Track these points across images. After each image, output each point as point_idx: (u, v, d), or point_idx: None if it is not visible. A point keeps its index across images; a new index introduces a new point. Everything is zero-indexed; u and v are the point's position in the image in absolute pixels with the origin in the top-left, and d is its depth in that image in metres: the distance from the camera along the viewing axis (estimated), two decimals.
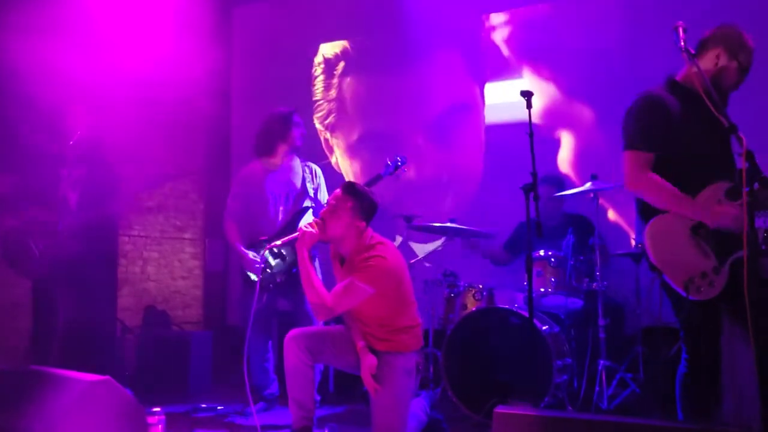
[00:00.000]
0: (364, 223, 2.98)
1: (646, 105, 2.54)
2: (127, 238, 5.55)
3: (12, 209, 3.98)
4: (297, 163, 4.05)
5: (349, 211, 2.94)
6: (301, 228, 2.95)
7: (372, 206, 3.01)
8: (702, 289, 2.39)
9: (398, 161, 4.08)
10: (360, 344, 2.98)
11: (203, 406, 4.12)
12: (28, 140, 4.23)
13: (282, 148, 3.99)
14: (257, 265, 3.78)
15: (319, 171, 4.10)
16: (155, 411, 2.99)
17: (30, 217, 3.90)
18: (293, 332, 3.00)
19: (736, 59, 2.52)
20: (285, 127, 3.97)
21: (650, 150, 2.51)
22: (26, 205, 3.93)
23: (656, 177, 2.49)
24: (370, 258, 2.90)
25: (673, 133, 2.49)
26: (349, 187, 3.02)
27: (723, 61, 2.53)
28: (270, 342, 4.01)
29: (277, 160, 4.01)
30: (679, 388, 2.55)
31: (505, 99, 5.11)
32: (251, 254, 3.83)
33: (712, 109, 2.32)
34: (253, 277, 3.82)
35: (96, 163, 3.99)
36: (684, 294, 2.38)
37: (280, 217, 3.93)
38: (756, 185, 2.26)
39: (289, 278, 3.82)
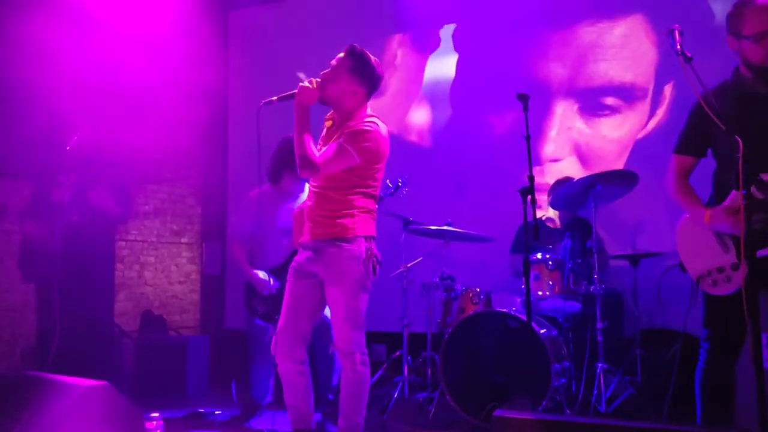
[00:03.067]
0: (363, 90, 2.85)
1: (693, 108, 2.52)
2: (123, 243, 5.54)
3: (13, 213, 3.99)
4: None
5: (347, 73, 2.82)
6: (300, 84, 2.78)
7: (373, 73, 2.85)
8: (718, 283, 2.40)
9: (399, 182, 4.05)
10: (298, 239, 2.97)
11: (201, 410, 4.11)
12: (27, 146, 4.23)
13: (288, 176, 3.88)
14: (271, 284, 3.76)
15: None
16: (153, 416, 2.99)
17: (29, 220, 3.90)
18: (279, 341, 2.90)
19: (742, 35, 2.40)
20: (290, 154, 3.86)
21: (685, 153, 2.56)
22: (26, 209, 3.94)
23: (679, 183, 2.54)
24: (363, 124, 2.79)
25: (717, 132, 2.36)
26: (352, 49, 2.86)
27: (735, 45, 2.45)
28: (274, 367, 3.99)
29: (285, 187, 3.93)
30: (698, 385, 2.53)
31: None
32: (261, 273, 3.77)
33: (710, 113, 2.31)
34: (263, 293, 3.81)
35: (92, 168, 3.99)
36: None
37: (284, 248, 3.84)
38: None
39: None
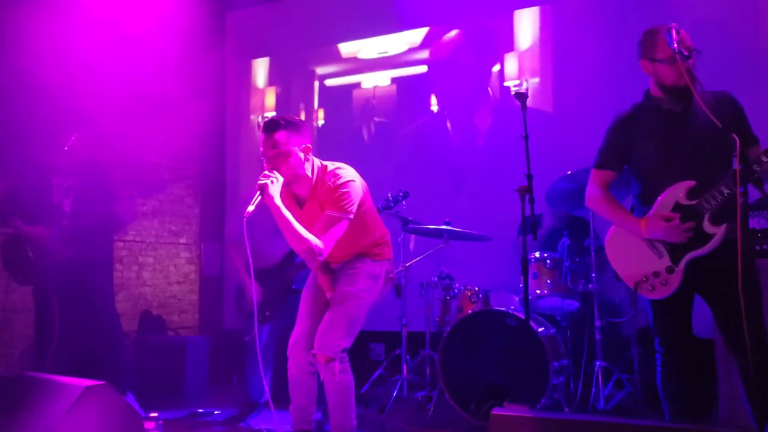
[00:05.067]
0: (309, 142, 2.83)
1: (610, 126, 2.67)
2: (122, 243, 5.54)
3: (7, 216, 3.99)
4: None
5: (288, 145, 2.76)
6: (258, 184, 2.68)
7: (304, 126, 2.85)
8: (656, 288, 2.52)
9: (399, 195, 4.05)
10: (329, 295, 2.93)
11: (200, 411, 4.11)
12: (21, 148, 4.23)
13: None
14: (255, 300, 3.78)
15: None
16: (152, 416, 3.00)
17: (25, 224, 3.89)
18: (293, 340, 2.92)
19: (655, 59, 2.51)
20: None
21: (607, 168, 2.68)
22: (21, 212, 3.93)
23: (603, 195, 2.67)
24: (340, 186, 2.78)
25: (635, 149, 2.59)
26: (275, 123, 2.78)
27: (650, 69, 2.56)
28: (272, 362, 4.00)
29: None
30: (660, 387, 2.62)
31: None
32: (252, 287, 3.80)
33: (705, 109, 2.33)
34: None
35: (90, 171, 3.99)
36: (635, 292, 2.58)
37: (279, 249, 3.86)
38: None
39: (283, 304, 3.82)
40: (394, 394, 3.98)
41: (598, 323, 3.66)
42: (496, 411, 2.32)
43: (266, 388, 3.96)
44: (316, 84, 5.91)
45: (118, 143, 4.69)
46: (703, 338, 2.77)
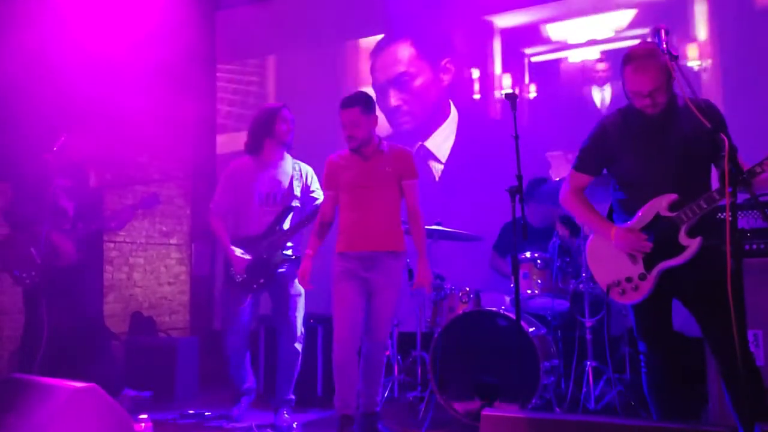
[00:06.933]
0: (376, 117, 3.43)
1: (594, 130, 2.68)
2: (112, 245, 5.51)
3: (12, 218, 3.97)
4: (288, 161, 3.95)
5: (364, 116, 3.35)
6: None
7: (373, 102, 3.43)
8: (626, 293, 2.56)
9: None
10: (308, 251, 3.42)
11: (190, 412, 4.09)
12: (24, 150, 4.19)
13: (269, 145, 3.86)
14: (244, 264, 3.75)
15: (310, 171, 4.01)
16: (142, 418, 2.98)
17: (30, 226, 3.86)
18: (348, 330, 3.27)
19: (625, 88, 2.55)
20: (270, 123, 3.85)
21: (584, 172, 2.70)
22: (26, 214, 3.90)
23: (577, 197, 2.71)
24: (406, 153, 3.46)
25: (617, 155, 2.61)
26: (357, 97, 3.41)
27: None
28: (247, 340, 3.97)
29: (265, 157, 3.89)
30: (645, 388, 2.64)
31: None
32: (238, 251, 3.76)
33: (695, 111, 2.33)
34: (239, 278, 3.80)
35: (80, 175, 3.99)
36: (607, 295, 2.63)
37: (266, 217, 3.84)
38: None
39: (273, 280, 3.79)
40: (386, 395, 3.98)
41: (588, 323, 3.67)
42: (486, 411, 2.32)
43: (248, 368, 3.95)
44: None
45: (108, 143, 4.67)
46: (693, 337, 2.78)
